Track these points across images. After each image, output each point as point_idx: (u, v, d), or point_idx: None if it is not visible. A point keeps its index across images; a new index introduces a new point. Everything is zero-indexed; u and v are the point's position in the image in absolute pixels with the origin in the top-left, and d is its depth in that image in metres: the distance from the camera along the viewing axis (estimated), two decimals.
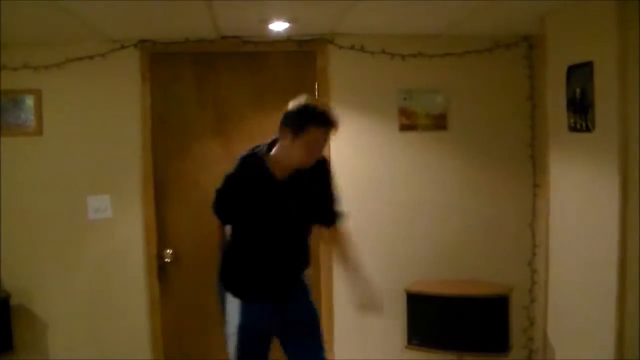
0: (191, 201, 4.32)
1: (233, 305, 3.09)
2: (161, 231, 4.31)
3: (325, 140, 2.91)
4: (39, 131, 4.18)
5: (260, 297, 3.09)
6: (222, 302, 3.18)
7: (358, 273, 3.14)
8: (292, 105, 2.88)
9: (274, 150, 2.97)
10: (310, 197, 3.08)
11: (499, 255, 4.44)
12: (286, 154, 2.91)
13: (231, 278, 3.15)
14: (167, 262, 4.32)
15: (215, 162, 4.30)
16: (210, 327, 4.39)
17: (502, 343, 3.95)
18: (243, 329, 3.06)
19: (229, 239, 3.15)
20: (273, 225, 3.02)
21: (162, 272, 4.33)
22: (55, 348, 4.27)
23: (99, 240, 4.26)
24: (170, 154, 4.30)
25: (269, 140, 3.03)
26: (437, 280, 4.30)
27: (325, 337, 4.34)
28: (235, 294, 3.09)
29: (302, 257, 3.22)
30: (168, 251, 4.31)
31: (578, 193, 3.59)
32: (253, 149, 3.03)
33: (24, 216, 4.20)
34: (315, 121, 2.83)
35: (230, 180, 2.99)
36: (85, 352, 4.28)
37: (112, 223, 4.26)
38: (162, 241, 4.31)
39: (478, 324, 3.94)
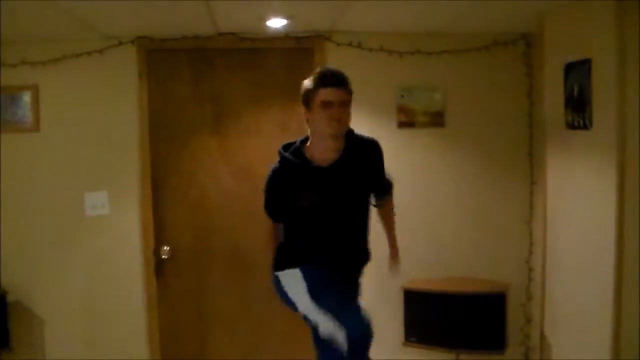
0: (188, 197, 4.32)
1: (293, 281, 2.97)
2: (158, 228, 4.31)
3: (339, 101, 2.86)
4: (36, 127, 4.17)
5: (320, 259, 3.01)
6: (284, 295, 3.04)
7: (395, 242, 3.47)
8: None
9: (309, 141, 2.99)
10: (360, 179, 3.03)
11: (496, 252, 4.45)
12: (315, 133, 2.95)
13: (289, 255, 3.05)
14: (164, 258, 4.32)
15: (212, 158, 4.30)
16: (206, 323, 4.39)
17: (499, 340, 3.95)
18: (312, 286, 2.93)
19: (283, 237, 3.12)
20: (324, 213, 2.99)
21: (159, 269, 4.32)
22: (52, 345, 4.27)
23: (96, 236, 4.25)
24: (167, 151, 4.29)
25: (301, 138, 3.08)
26: (434, 277, 4.30)
27: None
28: (293, 263, 2.99)
29: (359, 247, 3.17)
30: (165, 248, 4.31)
31: (575, 190, 3.59)
32: (288, 143, 3.05)
33: (22, 212, 4.20)
34: (318, 82, 2.88)
35: (274, 175, 2.99)
36: (82, 349, 4.28)
37: (110, 219, 4.25)
38: (160, 238, 4.31)
39: (475, 321, 3.94)
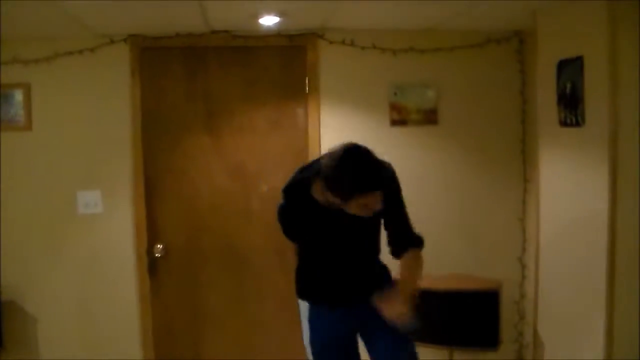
0: (182, 195, 4.31)
1: (306, 314, 3.11)
2: (151, 226, 4.30)
3: (375, 197, 2.59)
4: (28, 126, 4.16)
5: (326, 300, 3.03)
6: (300, 313, 3.24)
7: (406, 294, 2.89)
8: (330, 162, 2.58)
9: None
10: (370, 217, 2.73)
11: (489, 250, 4.45)
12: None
13: (300, 284, 3.11)
14: (157, 257, 4.31)
15: (205, 156, 4.29)
16: (200, 321, 4.39)
17: (492, 338, 3.95)
18: (315, 339, 3.08)
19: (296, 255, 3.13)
20: (328, 242, 2.91)
21: (152, 267, 4.31)
22: (45, 344, 4.26)
23: (90, 235, 4.24)
24: (160, 149, 4.28)
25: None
26: (427, 274, 4.29)
27: None
28: (303, 297, 3.11)
29: (368, 271, 3.05)
30: (158, 246, 4.30)
31: (568, 187, 3.60)
32: (308, 167, 2.89)
33: (15, 211, 4.18)
34: (359, 190, 2.54)
35: (285, 194, 2.88)
36: (76, 348, 4.27)
37: (103, 218, 4.24)
38: (153, 236, 4.30)
39: (469, 318, 3.93)
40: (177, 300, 4.38)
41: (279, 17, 3.81)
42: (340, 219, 2.71)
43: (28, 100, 4.16)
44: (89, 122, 4.20)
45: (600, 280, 3.23)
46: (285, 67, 4.29)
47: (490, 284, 4.07)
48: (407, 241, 2.99)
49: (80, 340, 4.28)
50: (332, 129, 4.18)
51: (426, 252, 4.33)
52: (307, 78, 4.29)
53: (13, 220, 4.18)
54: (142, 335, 4.32)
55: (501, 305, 3.99)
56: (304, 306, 3.15)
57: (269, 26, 4.02)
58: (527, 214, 4.40)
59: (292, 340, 4.18)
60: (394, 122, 4.32)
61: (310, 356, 3.11)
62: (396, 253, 2.98)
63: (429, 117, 4.34)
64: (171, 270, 4.35)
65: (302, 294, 3.12)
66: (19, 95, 4.16)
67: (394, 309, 2.73)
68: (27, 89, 4.16)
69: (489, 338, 3.95)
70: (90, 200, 4.21)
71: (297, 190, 2.82)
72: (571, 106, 3.37)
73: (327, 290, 3.01)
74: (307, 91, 4.29)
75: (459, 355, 4.14)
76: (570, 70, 3.38)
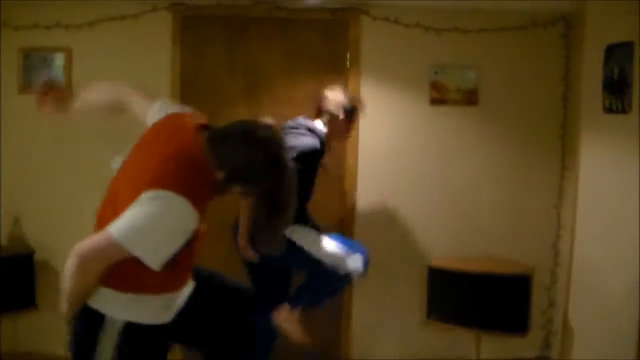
0: None
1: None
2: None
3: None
4: (69, 90, 4.18)
5: None
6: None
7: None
8: (336, 97, 3.62)
9: (325, 128, 3.60)
10: None
11: (522, 234, 4.42)
12: (335, 133, 3.66)
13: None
14: None
15: None
16: None
17: (521, 323, 3.92)
18: None
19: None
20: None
21: None
22: None
23: None
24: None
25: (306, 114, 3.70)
26: (460, 256, 4.28)
27: (346, 310, 4.37)
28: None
29: None
30: None
31: (609, 176, 3.55)
32: (306, 122, 3.62)
33: (49, 173, 4.24)
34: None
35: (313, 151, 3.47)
36: None
37: None
38: None
39: (498, 302, 3.91)
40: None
41: None
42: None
43: (69, 65, 4.18)
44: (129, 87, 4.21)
45: (634, 272, 3.20)
46: (327, 42, 4.26)
47: (522, 268, 4.05)
48: None
49: None
50: (372, 105, 4.15)
51: (460, 233, 4.36)
52: (348, 53, 4.26)
53: (47, 181, 4.24)
54: None
55: (532, 290, 3.97)
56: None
57: None
58: (564, 201, 4.35)
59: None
60: (434, 101, 4.29)
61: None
62: None
63: (469, 98, 4.30)
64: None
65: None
66: (59, 59, 4.19)
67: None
68: (69, 53, 4.18)
69: (518, 323, 3.93)
70: None
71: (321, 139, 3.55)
72: (618, 92, 3.32)
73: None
74: (347, 67, 4.26)
75: (487, 339, 4.14)
76: (619, 56, 3.33)
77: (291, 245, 3.36)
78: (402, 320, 4.44)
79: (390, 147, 4.33)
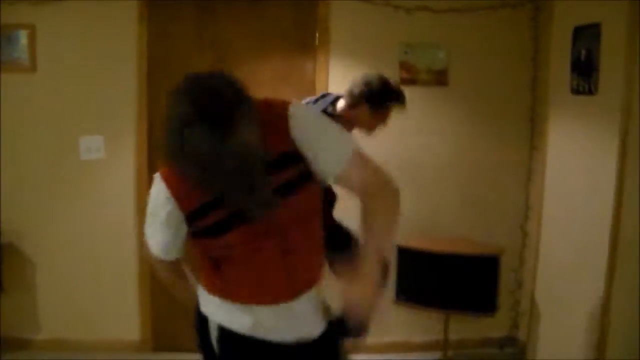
0: None
1: None
2: (153, 173, 4.25)
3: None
4: (32, 68, 4.10)
5: None
6: None
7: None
8: (365, 79, 3.09)
9: (339, 109, 3.14)
10: None
11: (491, 216, 4.44)
12: (358, 122, 3.13)
13: None
14: None
15: None
16: None
17: (489, 303, 3.94)
18: None
19: None
20: None
21: None
22: (43, 288, 4.27)
23: (91, 181, 4.22)
24: (165, 96, 4.22)
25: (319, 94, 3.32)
26: (428, 236, 4.29)
27: None
28: None
29: None
30: None
31: (576, 156, 3.57)
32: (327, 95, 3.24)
33: (17, 154, 4.15)
34: (397, 100, 3.16)
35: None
36: (73, 293, 4.28)
37: (105, 164, 4.21)
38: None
39: (467, 282, 3.93)
40: None
41: None
42: None
43: (33, 42, 4.09)
44: (94, 66, 4.14)
45: (601, 253, 3.23)
46: (296, 21, 4.21)
47: (490, 249, 4.06)
48: None
49: (78, 285, 4.28)
50: (340, 84, 4.09)
51: (428, 213, 4.35)
52: (317, 32, 4.22)
53: (14, 163, 4.16)
54: (139, 280, 4.31)
55: (500, 271, 3.99)
56: None
57: None
58: (532, 181, 4.36)
59: None
60: (403, 81, 4.25)
61: None
62: None
63: (439, 78, 4.28)
64: None
65: None
66: (23, 37, 4.09)
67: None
68: (33, 30, 4.08)
69: (487, 304, 3.94)
70: (92, 146, 4.17)
71: None
72: (585, 74, 3.33)
73: None
74: (316, 45, 4.22)
75: (455, 319, 4.16)
76: (586, 37, 3.33)
77: None
78: None
79: None
